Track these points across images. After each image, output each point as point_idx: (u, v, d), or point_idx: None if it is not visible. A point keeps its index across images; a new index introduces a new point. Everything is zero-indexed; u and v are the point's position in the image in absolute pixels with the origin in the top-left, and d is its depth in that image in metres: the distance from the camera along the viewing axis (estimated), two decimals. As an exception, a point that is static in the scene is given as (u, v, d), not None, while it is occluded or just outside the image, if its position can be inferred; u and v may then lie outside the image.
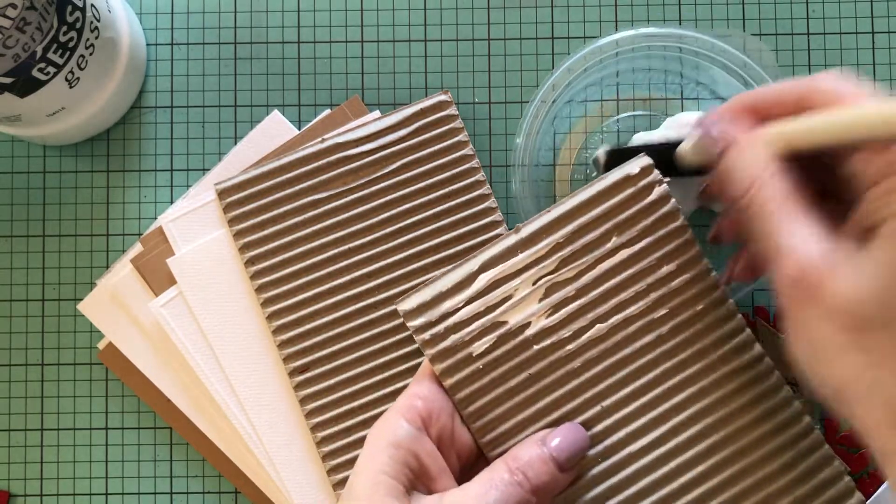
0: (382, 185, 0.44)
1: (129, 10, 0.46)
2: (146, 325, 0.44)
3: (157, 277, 0.44)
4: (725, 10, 0.47)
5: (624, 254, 0.37)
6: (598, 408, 0.36)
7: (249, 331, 0.44)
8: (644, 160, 0.37)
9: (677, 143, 0.37)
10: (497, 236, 0.43)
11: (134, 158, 0.47)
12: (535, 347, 0.36)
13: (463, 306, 0.36)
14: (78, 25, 0.39)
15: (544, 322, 0.36)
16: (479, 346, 0.36)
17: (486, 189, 0.45)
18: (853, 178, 0.30)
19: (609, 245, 0.37)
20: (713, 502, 0.36)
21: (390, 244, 0.44)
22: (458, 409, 0.36)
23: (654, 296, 0.37)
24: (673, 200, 0.37)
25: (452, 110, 0.45)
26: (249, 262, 0.43)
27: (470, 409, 0.36)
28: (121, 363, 0.45)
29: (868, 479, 0.45)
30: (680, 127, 0.43)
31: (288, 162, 0.44)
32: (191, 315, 0.44)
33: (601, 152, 0.39)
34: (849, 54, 0.47)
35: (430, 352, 0.36)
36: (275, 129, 0.46)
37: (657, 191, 0.37)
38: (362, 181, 0.44)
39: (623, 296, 0.37)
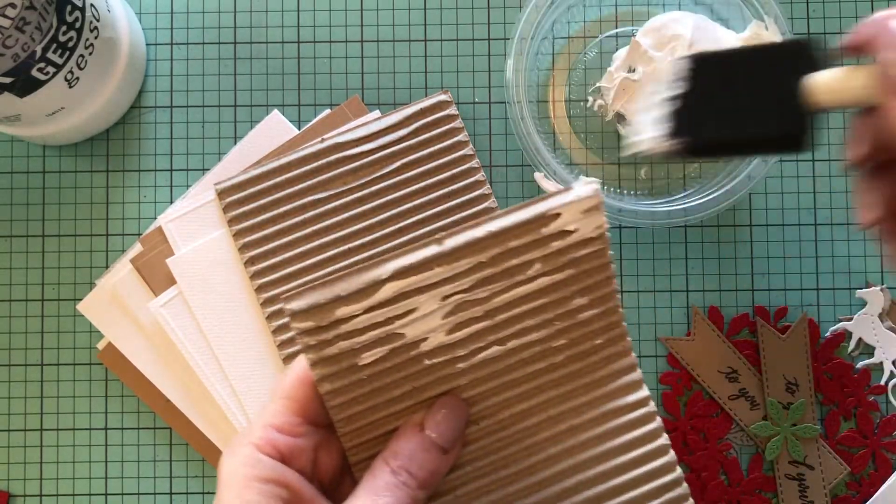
0: (382, 184, 0.44)
1: (128, 9, 0.46)
2: (146, 325, 0.44)
3: (157, 277, 0.44)
4: (725, 11, 0.47)
5: (542, 282, 0.34)
6: (474, 427, 0.35)
7: (249, 330, 0.44)
8: (591, 187, 0.34)
9: (800, 47, 0.28)
10: None
11: (134, 158, 0.47)
12: (426, 363, 0.34)
13: (361, 314, 0.33)
14: (77, 25, 0.39)
15: (443, 339, 0.34)
16: (368, 357, 0.33)
17: (486, 189, 0.45)
18: None
19: (530, 272, 0.34)
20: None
21: (390, 244, 0.44)
22: (331, 413, 0.33)
23: (558, 325, 0.35)
24: (608, 234, 0.35)
25: (452, 110, 0.45)
26: (249, 262, 0.43)
27: (342, 416, 0.33)
28: (120, 363, 0.45)
29: (868, 480, 0.45)
30: (654, 32, 0.43)
31: (288, 162, 0.44)
32: (190, 315, 0.44)
33: (655, 136, 0.31)
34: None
35: (312, 357, 0.33)
36: (275, 129, 0.46)
37: (597, 224, 0.34)
38: (362, 181, 0.44)
39: (529, 322, 0.35)
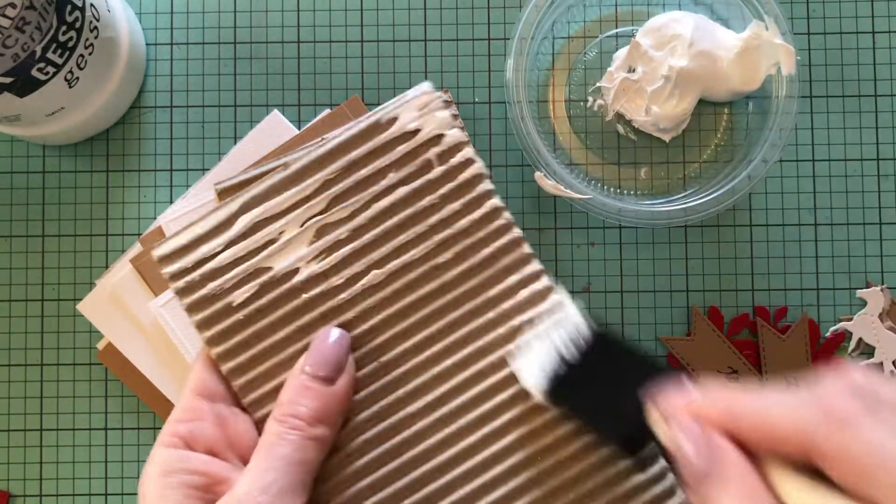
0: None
1: (128, 9, 0.46)
2: (145, 324, 0.44)
3: (157, 277, 0.44)
4: (725, 11, 0.47)
5: (402, 192, 0.33)
6: (374, 364, 0.33)
7: (249, 331, 0.43)
8: (423, 85, 0.33)
9: (657, 374, 0.28)
10: None
11: (133, 158, 0.47)
12: (304, 296, 0.33)
13: (222, 250, 0.32)
14: (77, 25, 0.39)
15: (314, 268, 0.33)
16: (239, 295, 0.32)
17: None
18: None
19: (385, 182, 0.33)
20: (493, 469, 0.32)
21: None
22: (218, 365, 0.33)
23: (437, 238, 0.33)
24: (461, 132, 0.33)
25: (452, 110, 0.45)
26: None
27: (230, 365, 0.32)
28: (120, 363, 0.45)
29: None
30: (654, 32, 0.43)
31: (288, 162, 0.44)
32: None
33: (537, 377, 0.31)
34: (849, 54, 0.47)
35: (185, 301, 0.32)
36: (275, 129, 0.46)
37: (439, 120, 0.33)
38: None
39: (402, 238, 0.33)
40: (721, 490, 0.24)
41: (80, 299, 0.45)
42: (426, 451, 0.33)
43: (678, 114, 0.44)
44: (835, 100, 0.47)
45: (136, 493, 0.45)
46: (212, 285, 0.33)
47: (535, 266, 0.33)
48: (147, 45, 0.47)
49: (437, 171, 0.33)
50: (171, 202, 0.46)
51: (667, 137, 0.46)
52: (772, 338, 0.45)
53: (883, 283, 0.46)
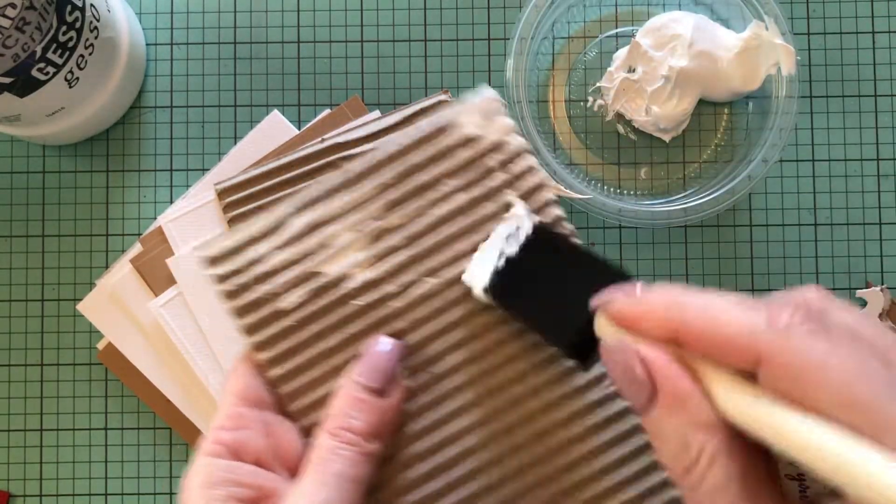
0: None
1: (128, 9, 0.46)
2: (145, 325, 0.44)
3: (157, 277, 0.44)
4: (726, 11, 0.47)
5: (460, 199, 0.32)
6: (426, 375, 0.32)
7: (249, 331, 0.43)
8: (486, 92, 0.32)
9: (608, 275, 0.27)
10: None
11: (133, 158, 0.47)
12: (356, 303, 0.31)
13: (273, 253, 0.31)
14: (77, 25, 0.39)
15: (368, 274, 0.31)
16: (291, 300, 0.31)
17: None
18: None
19: (444, 188, 0.32)
20: (548, 488, 0.31)
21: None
22: (264, 372, 0.31)
23: None
24: (522, 139, 0.32)
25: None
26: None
27: (277, 372, 0.31)
28: (120, 363, 0.45)
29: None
30: (654, 32, 0.44)
31: (288, 162, 0.44)
32: (190, 315, 0.43)
33: (480, 278, 0.30)
34: (849, 54, 0.47)
35: (232, 304, 0.31)
36: (275, 129, 0.46)
37: (502, 127, 0.31)
38: (362, 181, 0.44)
39: (460, 246, 0.32)
40: (665, 413, 0.24)
41: (80, 299, 0.45)
42: (479, 467, 0.32)
43: (678, 114, 0.44)
44: (835, 100, 0.47)
45: (135, 493, 0.45)
46: (262, 289, 0.31)
47: None
48: (147, 45, 0.47)
49: (499, 177, 0.32)
50: (171, 202, 0.46)
51: (667, 137, 0.46)
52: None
53: (883, 283, 0.46)
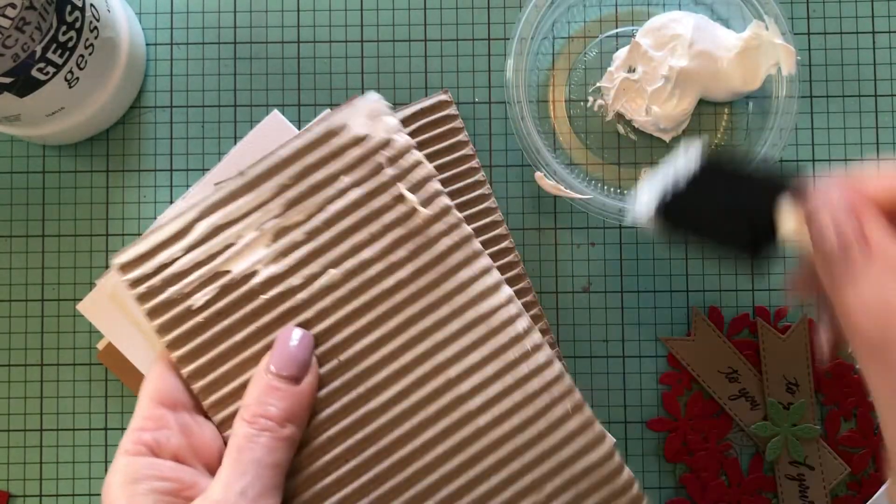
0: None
1: (128, 9, 0.46)
2: (146, 325, 0.44)
3: (157, 277, 0.44)
4: (726, 11, 0.47)
5: (355, 193, 0.34)
6: (335, 362, 0.34)
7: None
8: (370, 95, 0.35)
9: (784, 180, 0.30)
10: (498, 237, 0.43)
11: (133, 158, 0.47)
12: (263, 297, 0.33)
13: (181, 256, 0.33)
14: (77, 25, 0.39)
15: (272, 269, 0.33)
16: (199, 298, 0.33)
17: (486, 189, 0.44)
18: None
19: (339, 185, 0.34)
20: (461, 456, 0.34)
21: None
22: (179, 368, 0.33)
23: (391, 236, 0.34)
24: (408, 139, 0.34)
25: (452, 110, 0.45)
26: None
27: (191, 368, 0.33)
28: (120, 363, 0.44)
29: (868, 480, 0.45)
30: (654, 32, 0.44)
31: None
32: (190, 315, 0.43)
33: (646, 206, 0.34)
34: (849, 54, 0.47)
35: (145, 306, 0.33)
36: (275, 129, 0.46)
37: (387, 126, 0.34)
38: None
39: (357, 238, 0.34)
40: (864, 268, 0.24)
41: (80, 299, 0.45)
42: (389, 445, 0.34)
43: (678, 114, 0.44)
44: (835, 100, 0.47)
45: (136, 493, 0.45)
46: (172, 290, 0.33)
47: (484, 262, 0.35)
48: (147, 45, 0.47)
49: (388, 172, 0.34)
50: (171, 202, 0.46)
51: (667, 137, 0.46)
52: (772, 338, 0.45)
53: (883, 283, 0.46)
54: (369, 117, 0.35)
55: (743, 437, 0.45)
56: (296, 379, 0.32)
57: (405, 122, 0.44)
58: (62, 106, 0.42)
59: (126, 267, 0.34)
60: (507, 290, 0.35)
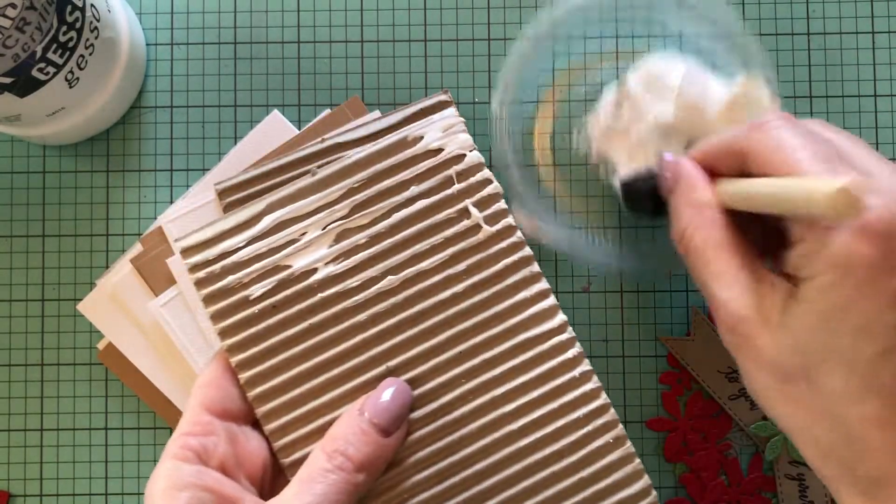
0: (382, 184, 0.44)
1: (128, 9, 0.46)
2: (146, 325, 0.44)
3: (157, 277, 0.44)
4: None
5: (422, 204, 0.35)
6: (382, 368, 0.34)
7: (249, 331, 0.43)
8: (449, 109, 0.37)
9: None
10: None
11: (134, 158, 0.47)
12: (320, 295, 0.34)
13: (244, 246, 0.34)
14: (78, 25, 0.39)
15: (332, 269, 0.34)
16: (257, 290, 0.34)
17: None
18: (786, 229, 0.31)
19: (407, 194, 0.35)
20: (497, 477, 0.34)
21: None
22: (229, 356, 0.33)
23: (451, 250, 0.35)
24: (479, 155, 0.36)
25: (452, 110, 0.45)
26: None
27: (241, 357, 0.33)
28: (120, 363, 0.45)
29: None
30: (644, 74, 0.43)
31: (288, 162, 0.44)
32: (190, 315, 0.43)
33: (617, 183, 0.38)
34: (849, 54, 0.47)
35: (203, 292, 0.34)
36: (275, 129, 0.46)
37: (461, 142, 0.35)
38: (362, 181, 0.44)
39: (418, 247, 0.35)
40: (680, 192, 0.33)
41: (80, 299, 0.45)
42: (427, 456, 0.34)
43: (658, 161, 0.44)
44: (835, 100, 0.47)
45: (135, 493, 0.45)
46: (231, 278, 0.34)
47: (542, 285, 0.35)
48: (147, 45, 0.47)
49: (457, 187, 0.35)
50: (171, 202, 0.46)
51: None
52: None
53: (883, 283, 0.46)
54: (445, 131, 0.36)
55: (743, 437, 0.45)
56: (386, 431, 0.32)
57: (405, 122, 0.44)
58: (62, 106, 0.42)
59: (188, 251, 0.34)
60: (561, 317, 0.35)
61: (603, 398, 0.35)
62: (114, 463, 0.45)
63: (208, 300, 0.34)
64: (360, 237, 0.35)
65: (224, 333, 0.33)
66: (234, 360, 0.33)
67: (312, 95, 0.47)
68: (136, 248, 0.45)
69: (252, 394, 0.34)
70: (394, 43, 0.47)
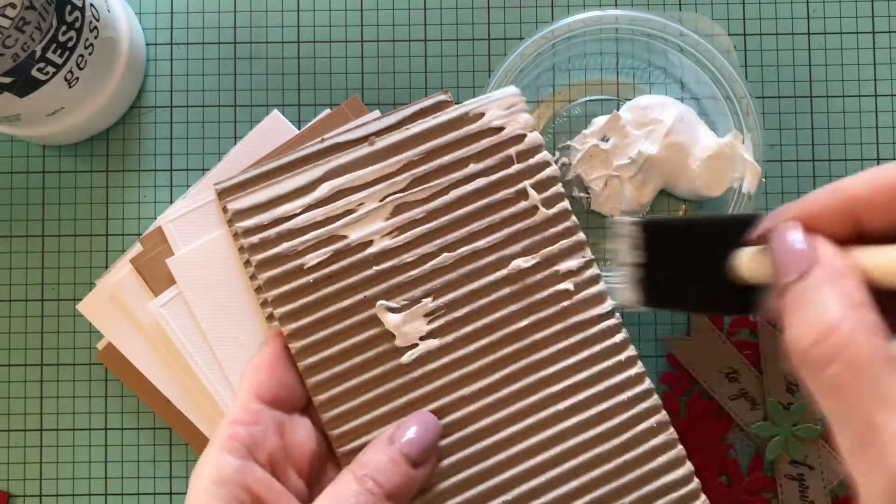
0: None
1: (128, 9, 0.46)
2: (145, 325, 0.44)
3: (157, 277, 0.44)
4: (726, 10, 0.47)
5: (480, 182, 0.35)
6: (435, 341, 0.34)
7: (249, 331, 0.43)
8: (510, 88, 0.35)
9: (734, 223, 0.29)
10: None
11: (133, 158, 0.47)
12: (375, 268, 0.34)
13: (300, 213, 0.34)
14: (77, 25, 0.39)
15: (388, 242, 0.34)
16: (312, 259, 0.33)
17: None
18: None
19: (466, 171, 0.35)
20: (536, 458, 0.34)
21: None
22: (280, 322, 0.33)
23: (508, 230, 0.35)
24: (538, 135, 0.35)
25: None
26: (249, 263, 0.43)
27: (293, 326, 0.33)
28: (120, 363, 0.45)
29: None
30: (638, 110, 0.43)
31: (288, 162, 0.44)
32: (190, 315, 0.43)
33: (629, 226, 0.31)
34: (849, 54, 0.47)
35: (256, 258, 0.33)
36: (275, 129, 0.46)
37: (523, 122, 0.34)
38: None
39: (475, 226, 0.34)
40: (818, 288, 0.24)
41: (80, 299, 0.45)
42: (475, 432, 0.34)
43: (636, 198, 0.44)
44: (834, 100, 0.47)
45: (135, 494, 0.45)
46: (286, 245, 0.33)
47: (593, 271, 0.35)
48: (147, 45, 0.47)
49: (516, 167, 0.35)
50: (171, 202, 0.46)
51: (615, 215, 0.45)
52: (772, 338, 0.45)
53: (883, 283, 0.46)
54: (507, 109, 0.35)
55: (743, 437, 0.45)
56: (415, 464, 0.32)
57: (405, 122, 0.44)
58: (62, 106, 0.42)
59: (239, 215, 0.34)
60: (610, 302, 0.35)
61: (647, 383, 0.35)
62: (113, 463, 0.45)
63: (261, 266, 0.33)
64: (418, 212, 0.34)
65: (276, 301, 0.33)
66: (286, 329, 0.33)
67: (312, 95, 0.47)
68: (136, 248, 0.45)
69: (303, 364, 0.33)
70: (394, 43, 0.47)
